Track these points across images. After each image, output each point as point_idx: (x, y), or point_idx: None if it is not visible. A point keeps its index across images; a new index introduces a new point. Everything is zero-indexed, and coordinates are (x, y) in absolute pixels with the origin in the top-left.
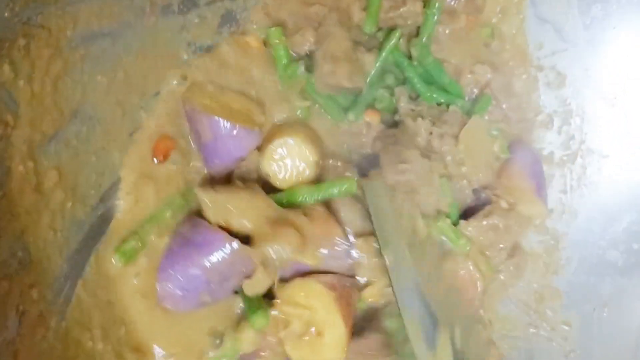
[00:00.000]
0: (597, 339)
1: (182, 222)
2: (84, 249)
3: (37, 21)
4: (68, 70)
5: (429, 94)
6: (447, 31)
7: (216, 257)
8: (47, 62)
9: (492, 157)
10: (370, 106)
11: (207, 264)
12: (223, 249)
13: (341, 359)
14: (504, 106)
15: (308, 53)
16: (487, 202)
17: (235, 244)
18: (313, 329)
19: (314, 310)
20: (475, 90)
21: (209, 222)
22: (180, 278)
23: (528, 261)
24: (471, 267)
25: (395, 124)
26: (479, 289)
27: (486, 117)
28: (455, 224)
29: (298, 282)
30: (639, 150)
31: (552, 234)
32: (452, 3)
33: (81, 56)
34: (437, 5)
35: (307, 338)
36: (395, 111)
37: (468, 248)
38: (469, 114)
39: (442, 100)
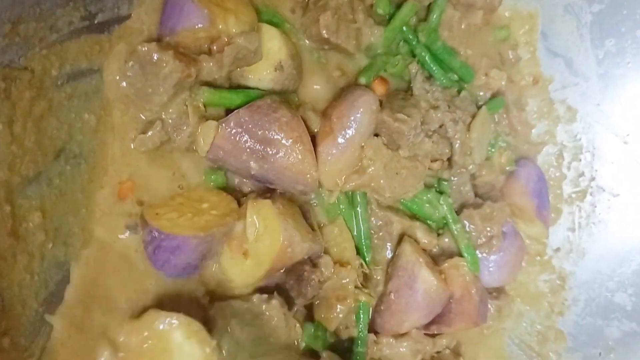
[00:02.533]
0: None
1: None
2: (62, 290)
3: (19, 63)
4: (53, 110)
5: (442, 76)
6: (462, 25)
7: None
8: (29, 103)
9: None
10: (378, 74)
11: None
12: None
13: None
14: (514, 119)
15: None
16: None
17: None
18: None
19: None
20: (488, 95)
21: None
22: None
23: (512, 307)
24: (460, 271)
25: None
26: (474, 292)
27: (494, 127)
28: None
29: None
30: None
31: (559, 273)
32: None
33: (67, 95)
34: None
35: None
36: (407, 80)
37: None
38: (477, 103)
39: (456, 79)
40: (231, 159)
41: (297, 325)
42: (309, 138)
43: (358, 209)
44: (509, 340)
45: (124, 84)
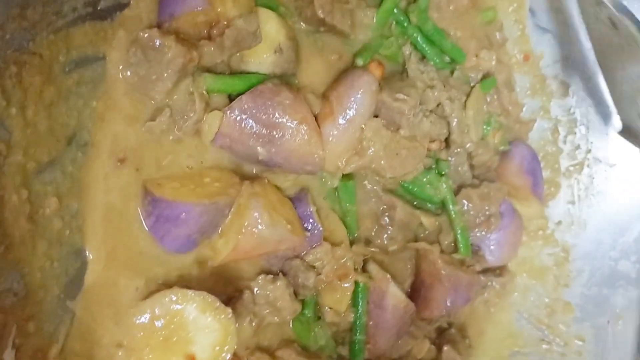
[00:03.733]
0: (613, 353)
1: None
2: (82, 276)
3: (28, 48)
4: (62, 97)
5: (435, 56)
6: (450, 7)
7: None
8: (39, 88)
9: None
10: (374, 56)
11: None
12: None
13: None
14: (504, 99)
15: None
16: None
17: None
18: None
19: None
20: (479, 76)
21: None
22: None
23: (515, 282)
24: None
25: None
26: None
27: (486, 107)
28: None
29: None
30: None
31: (562, 246)
32: None
33: (75, 82)
34: None
35: None
36: (401, 63)
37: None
38: (469, 84)
39: (448, 61)
40: (239, 146)
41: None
42: (314, 118)
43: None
44: (518, 314)
45: (128, 72)
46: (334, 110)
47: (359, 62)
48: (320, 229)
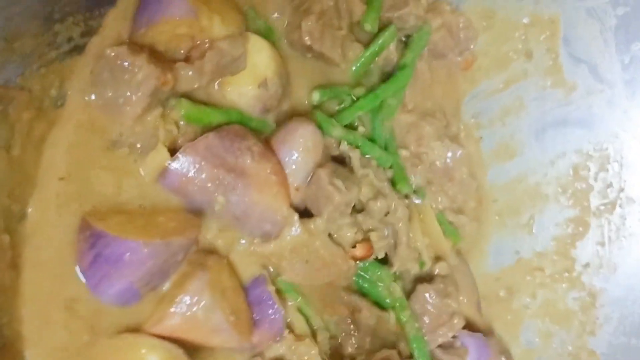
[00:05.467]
0: None
1: None
2: None
3: (16, 82)
4: (53, 132)
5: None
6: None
7: None
8: (28, 125)
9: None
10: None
11: None
12: None
13: None
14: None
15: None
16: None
17: None
18: None
19: None
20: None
21: None
22: None
23: None
24: None
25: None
26: None
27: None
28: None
29: None
30: None
31: (589, 290)
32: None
33: None
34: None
35: None
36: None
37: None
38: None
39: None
40: (194, 190)
41: None
42: (284, 171)
43: None
44: None
45: (93, 96)
46: None
47: (315, 97)
48: (282, 312)
